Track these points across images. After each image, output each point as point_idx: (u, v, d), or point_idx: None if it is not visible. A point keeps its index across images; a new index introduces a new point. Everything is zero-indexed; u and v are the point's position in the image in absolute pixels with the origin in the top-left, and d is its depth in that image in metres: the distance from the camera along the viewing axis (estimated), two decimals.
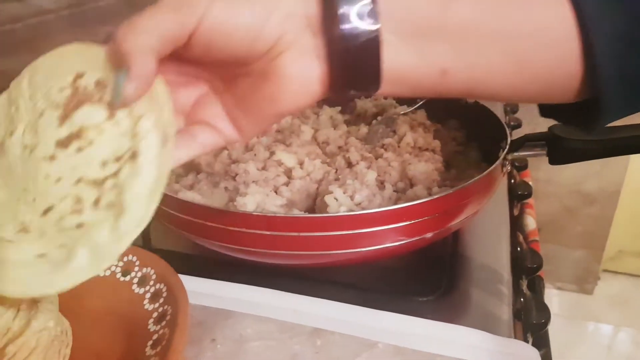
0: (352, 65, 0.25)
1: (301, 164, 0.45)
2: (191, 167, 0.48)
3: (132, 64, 0.24)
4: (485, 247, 0.48)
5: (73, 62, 0.27)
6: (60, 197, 0.25)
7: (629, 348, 1.37)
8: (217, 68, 0.28)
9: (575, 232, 1.42)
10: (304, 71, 0.26)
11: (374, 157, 0.46)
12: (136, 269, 0.41)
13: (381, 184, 0.43)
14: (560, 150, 0.38)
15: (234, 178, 0.45)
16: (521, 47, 0.25)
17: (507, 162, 0.41)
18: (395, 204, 0.39)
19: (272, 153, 0.46)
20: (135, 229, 0.24)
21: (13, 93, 0.28)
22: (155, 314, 0.37)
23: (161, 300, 0.38)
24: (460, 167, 0.49)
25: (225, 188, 0.45)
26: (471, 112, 0.52)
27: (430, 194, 0.42)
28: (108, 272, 0.41)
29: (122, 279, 0.41)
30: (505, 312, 0.43)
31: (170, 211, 0.40)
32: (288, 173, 0.45)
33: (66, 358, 0.34)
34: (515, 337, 0.40)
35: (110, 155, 0.25)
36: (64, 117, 0.26)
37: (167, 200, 0.40)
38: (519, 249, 0.53)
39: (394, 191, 0.43)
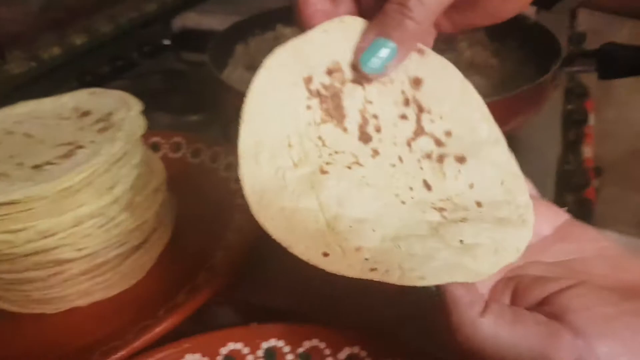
0: None
1: None
2: None
3: (406, 46, 0.26)
4: (533, 160, 0.52)
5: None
6: (414, 171, 0.27)
7: None
8: None
9: None
10: None
11: None
12: (222, 158, 0.48)
13: None
14: (610, 66, 0.41)
15: None
16: None
17: (558, 76, 0.44)
18: None
19: None
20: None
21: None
22: (240, 192, 0.44)
23: None
24: (517, 84, 0.52)
25: None
26: (530, 33, 0.54)
27: None
28: (198, 161, 0.49)
29: (210, 165, 0.48)
30: None
31: None
32: None
33: (172, 220, 0.43)
34: None
35: (396, 108, 0.28)
36: (338, 121, 0.27)
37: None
38: (566, 166, 0.57)
39: None
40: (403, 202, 0.25)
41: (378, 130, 0.28)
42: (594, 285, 0.22)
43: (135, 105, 0.39)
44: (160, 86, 0.67)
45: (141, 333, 0.33)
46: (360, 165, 0.26)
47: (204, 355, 0.31)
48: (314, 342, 0.31)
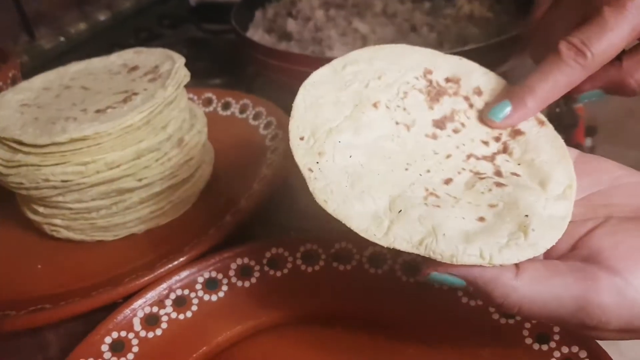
0: None
1: (374, 31, 0.56)
2: (284, 36, 0.60)
3: (520, 116, 0.28)
4: None
5: (414, 58, 0.31)
6: (457, 169, 0.27)
7: None
8: None
9: (635, 132, 1.45)
10: None
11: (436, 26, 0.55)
12: (250, 109, 0.54)
13: (440, 44, 0.53)
14: None
15: (319, 43, 0.56)
16: None
17: None
18: None
19: (350, 22, 0.57)
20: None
21: (347, 69, 0.30)
22: (269, 135, 0.51)
23: (272, 127, 0.51)
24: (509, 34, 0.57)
25: (312, 52, 0.57)
26: None
27: None
28: (228, 113, 0.55)
29: (239, 116, 0.54)
30: None
31: (272, 61, 0.52)
32: (363, 39, 0.56)
33: (212, 160, 0.49)
34: None
35: (486, 136, 0.29)
36: (432, 102, 0.29)
37: (270, 52, 0.52)
38: (558, 109, 0.62)
39: (450, 49, 0.52)
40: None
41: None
42: (618, 219, 0.23)
43: (179, 59, 0.45)
44: (184, 54, 0.73)
45: (196, 246, 0.39)
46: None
47: (251, 259, 0.38)
48: (343, 244, 0.37)
